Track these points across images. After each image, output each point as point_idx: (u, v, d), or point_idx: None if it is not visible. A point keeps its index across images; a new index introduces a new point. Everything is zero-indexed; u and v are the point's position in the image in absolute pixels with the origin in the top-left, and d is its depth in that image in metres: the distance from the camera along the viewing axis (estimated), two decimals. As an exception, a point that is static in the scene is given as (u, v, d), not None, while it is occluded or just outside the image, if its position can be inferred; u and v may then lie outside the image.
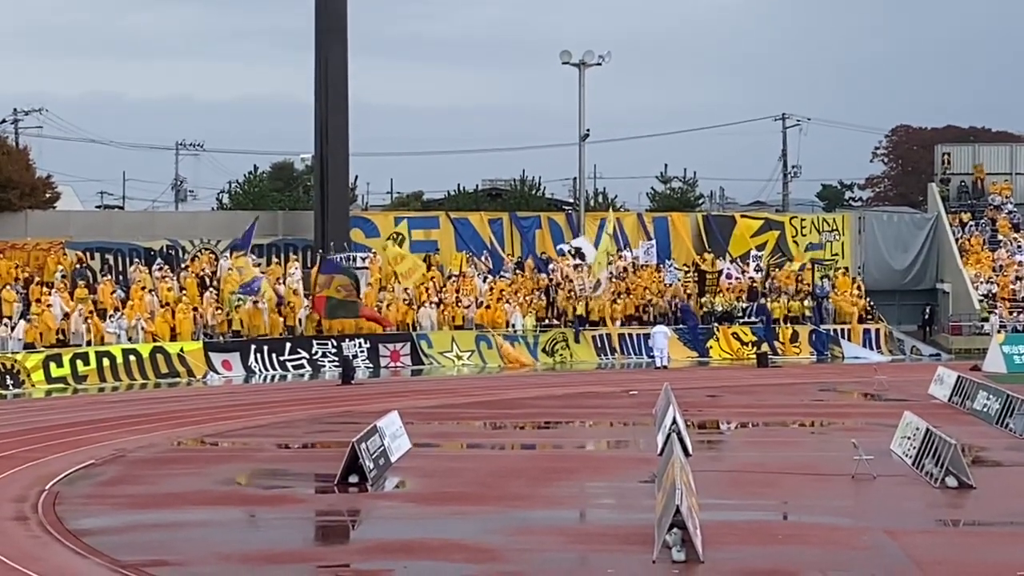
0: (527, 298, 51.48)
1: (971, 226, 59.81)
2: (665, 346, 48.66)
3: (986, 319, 53.33)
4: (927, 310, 57.13)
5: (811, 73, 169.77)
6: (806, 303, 53.22)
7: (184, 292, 48.22)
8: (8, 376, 40.87)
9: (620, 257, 54.86)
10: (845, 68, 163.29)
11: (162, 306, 46.33)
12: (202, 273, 49.77)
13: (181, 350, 44.85)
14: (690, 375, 45.27)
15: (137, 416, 33.39)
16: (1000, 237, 59.22)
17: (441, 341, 49.28)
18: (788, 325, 52.51)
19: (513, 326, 50.27)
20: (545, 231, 56.96)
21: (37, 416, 33.89)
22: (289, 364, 46.53)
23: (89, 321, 43.91)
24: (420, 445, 27.32)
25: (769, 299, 53.17)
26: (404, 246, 52.52)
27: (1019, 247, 58.05)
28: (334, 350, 47.22)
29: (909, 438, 24.55)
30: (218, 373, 44.85)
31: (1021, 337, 47.61)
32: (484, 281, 52.68)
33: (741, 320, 52.61)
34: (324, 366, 46.79)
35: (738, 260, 55.61)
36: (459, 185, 69.55)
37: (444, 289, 51.66)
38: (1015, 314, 53.58)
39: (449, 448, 28.84)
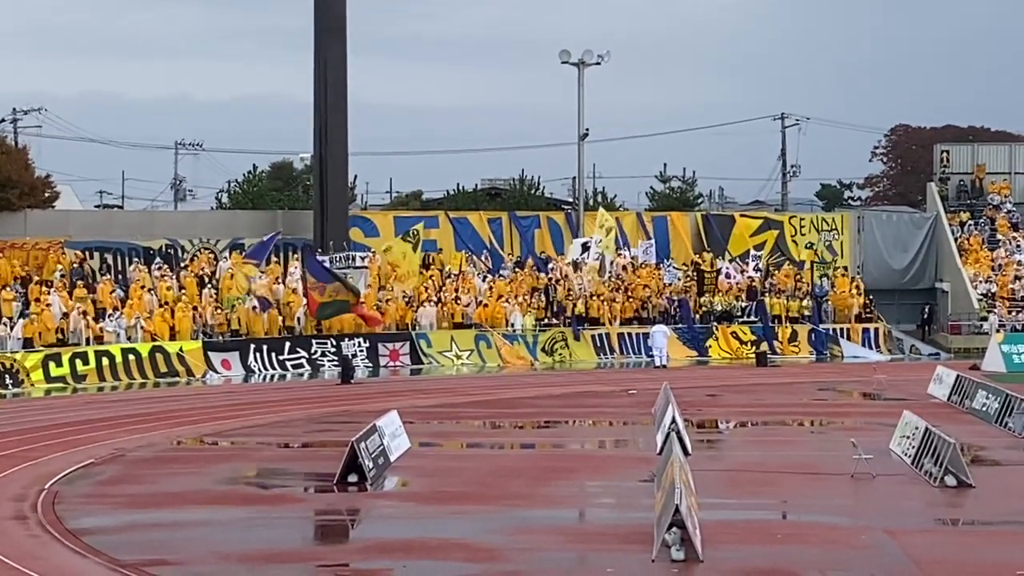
0: (526, 297, 51.49)
1: (970, 225, 59.83)
2: (664, 345, 48.65)
3: (985, 318, 53.34)
4: (926, 309, 57.14)
5: (810, 73, 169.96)
6: (805, 303, 53.23)
7: (183, 291, 48.22)
8: (7, 375, 40.86)
9: (620, 255, 54.88)
10: (844, 68, 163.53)
11: (161, 305, 46.33)
12: (201, 272, 49.78)
13: (180, 349, 44.84)
14: (689, 374, 45.26)
15: (136, 415, 33.38)
16: (999, 236, 59.24)
17: (440, 340, 49.27)
18: (787, 324, 52.53)
19: (512, 325, 50.28)
20: (544, 231, 56.98)
21: (36, 415, 33.87)
22: (288, 363, 46.52)
23: (87, 318, 43.90)
24: (420, 444, 27.32)
25: (768, 297, 53.18)
26: (418, 248, 52.12)
27: (1018, 246, 58.07)
28: (333, 349, 47.18)
29: (908, 437, 24.56)
30: (217, 372, 44.84)
31: (1020, 336, 47.64)
32: (483, 280, 52.69)
33: (740, 319, 52.63)
34: (323, 365, 46.77)
35: (737, 259, 55.64)
36: (458, 184, 69.66)
37: (443, 288, 51.66)
38: (1014, 313, 53.60)
39: (448, 447, 28.83)
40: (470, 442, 30.32)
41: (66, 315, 44.27)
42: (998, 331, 49.51)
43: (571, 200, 67.69)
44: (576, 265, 53.25)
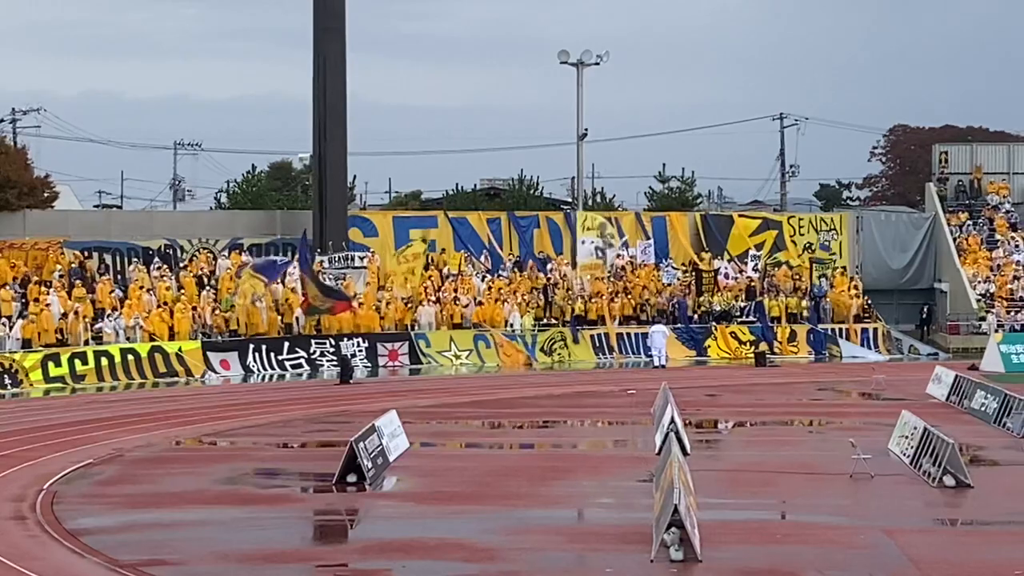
0: (525, 297, 51.48)
1: (969, 225, 59.84)
2: (663, 345, 48.65)
3: (984, 318, 53.36)
4: (925, 309, 57.16)
5: (809, 73, 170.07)
6: (804, 302, 53.22)
7: (182, 292, 48.21)
8: (6, 375, 40.86)
9: (618, 256, 54.89)
10: (843, 68, 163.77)
11: (160, 305, 46.31)
12: (200, 273, 49.76)
13: (179, 349, 44.83)
14: (688, 374, 45.27)
15: (135, 415, 33.38)
16: (998, 236, 59.25)
17: (439, 340, 49.27)
18: (786, 324, 52.53)
19: (511, 325, 50.27)
20: (543, 230, 56.92)
21: (35, 415, 33.87)
22: (287, 363, 46.51)
23: (84, 320, 43.90)
24: (419, 444, 27.32)
25: (767, 297, 53.17)
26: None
27: (1016, 246, 58.09)
28: (332, 349, 47.17)
29: (907, 437, 24.57)
30: (216, 372, 44.84)
31: (1019, 336, 47.64)
32: (482, 280, 52.69)
33: (739, 319, 52.63)
34: (322, 365, 46.75)
35: (736, 259, 55.64)
36: (458, 184, 69.75)
37: (442, 288, 51.65)
38: (1012, 313, 53.62)
39: (447, 447, 28.83)
40: (469, 442, 30.32)
41: (65, 315, 44.26)
42: (996, 331, 49.52)
43: (570, 200, 67.73)
44: (575, 264, 53.05)
